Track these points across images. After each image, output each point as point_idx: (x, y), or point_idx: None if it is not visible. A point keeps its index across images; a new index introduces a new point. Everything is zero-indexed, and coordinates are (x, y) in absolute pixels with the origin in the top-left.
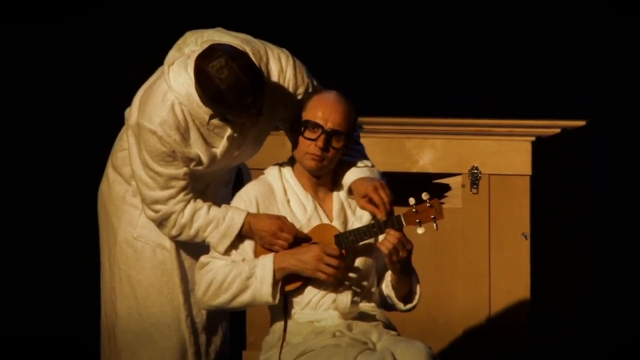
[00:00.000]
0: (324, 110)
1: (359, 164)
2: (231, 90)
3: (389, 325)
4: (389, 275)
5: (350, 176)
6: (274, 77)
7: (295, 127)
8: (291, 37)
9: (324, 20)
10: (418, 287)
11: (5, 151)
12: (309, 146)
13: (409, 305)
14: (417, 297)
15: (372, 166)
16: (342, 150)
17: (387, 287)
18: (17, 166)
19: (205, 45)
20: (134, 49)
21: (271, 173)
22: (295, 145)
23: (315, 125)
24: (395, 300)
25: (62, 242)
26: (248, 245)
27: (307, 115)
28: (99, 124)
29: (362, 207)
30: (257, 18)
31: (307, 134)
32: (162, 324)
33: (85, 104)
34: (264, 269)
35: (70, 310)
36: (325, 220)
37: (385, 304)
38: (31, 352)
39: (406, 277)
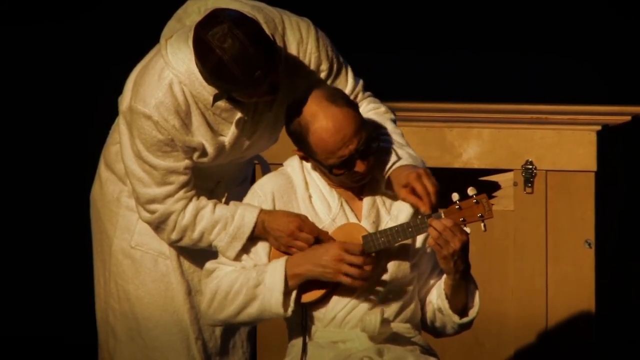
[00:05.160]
0: (335, 139)
1: (398, 150)
2: (235, 62)
3: (428, 350)
4: (441, 283)
5: (388, 165)
6: (292, 50)
7: (306, 157)
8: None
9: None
10: (477, 295)
11: (1, 151)
12: (345, 178)
13: (465, 319)
14: (476, 308)
15: (414, 152)
16: (377, 143)
17: (438, 297)
18: (14, 166)
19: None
20: (134, 47)
21: (291, 164)
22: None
23: (341, 166)
24: (449, 312)
25: (60, 240)
26: (262, 249)
27: (321, 157)
28: (98, 123)
29: (403, 199)
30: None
31: (336, 171)
32: (168, 348)
33: (83, 102)
34: (274, 274)
35: (68, 310)
36: (353, 220)
37: (430, 325)
38: (28, 353)
39: (464, 283)
